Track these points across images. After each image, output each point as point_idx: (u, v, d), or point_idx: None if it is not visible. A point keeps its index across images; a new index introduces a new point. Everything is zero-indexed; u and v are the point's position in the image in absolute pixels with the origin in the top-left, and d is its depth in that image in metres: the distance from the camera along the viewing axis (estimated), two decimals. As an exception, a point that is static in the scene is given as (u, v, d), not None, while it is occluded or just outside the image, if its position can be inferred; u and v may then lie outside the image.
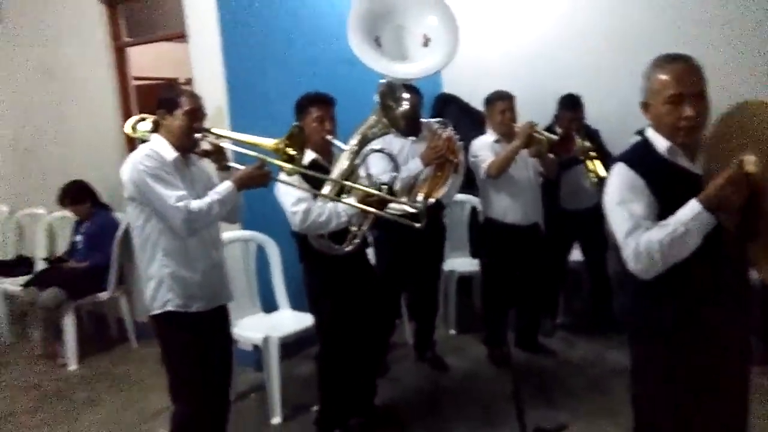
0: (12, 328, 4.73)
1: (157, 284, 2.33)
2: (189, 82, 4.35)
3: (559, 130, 4.01)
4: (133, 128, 2.82)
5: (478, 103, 4.27)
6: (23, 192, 5.46)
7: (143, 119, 2.83)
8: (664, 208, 1.73)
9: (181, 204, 2.22)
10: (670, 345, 1.82)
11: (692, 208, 1.64)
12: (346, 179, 2.69)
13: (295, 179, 2.64)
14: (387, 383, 3.57)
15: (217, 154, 2.45)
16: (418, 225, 2.69)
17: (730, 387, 1.87)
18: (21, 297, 4.24)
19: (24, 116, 5.32)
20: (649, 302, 1.83)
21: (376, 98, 2.82)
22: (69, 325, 4.10)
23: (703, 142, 1.74)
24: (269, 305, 3.73)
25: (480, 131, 3.84)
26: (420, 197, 3.36)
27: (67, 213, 4.57)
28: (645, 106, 1.82)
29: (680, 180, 1.75)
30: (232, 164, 2.49)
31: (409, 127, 2.97)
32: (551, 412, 3.18)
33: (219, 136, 2.43)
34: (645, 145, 1.84)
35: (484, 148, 3.68)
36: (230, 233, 3.65)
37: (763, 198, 1.58)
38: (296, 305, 3.63)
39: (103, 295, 4.32)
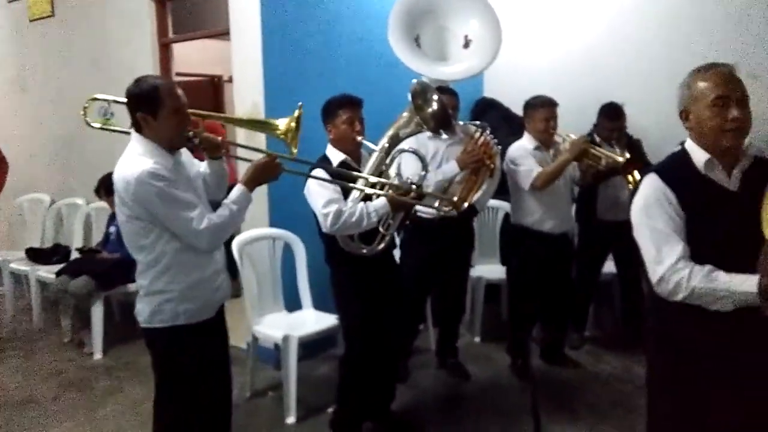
0: (44, 315, 4.83)
1: (167, 299, 2.17)
2: (231, 79, 4.40)
3: (597, 138, 3.90)
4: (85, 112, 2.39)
5: (518, 109, 4.18)
6: (65, 182, 5.61)
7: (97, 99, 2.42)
8: (692, 224, 1.70)
9: (203, 226, 2.10)
10: (685, 358, 1.77)
11: (749, 287, 1.58)
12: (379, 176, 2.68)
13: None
14: (406, 389, 3.50)
15: (211, 148, 2.32)
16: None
17: (751, 406, 1.76)
18: (53, 284, 4.31)
19: (70, 108, 5.45)
20: (665, 311, 1.78)
21: (409, 97, 2.80)
22: (97, 314, 4.15)
23: None
24: (293, 304, 3.71)
25: (519, 137, 3.74)
26: (453, 200, 3.31)
27: (104, 204, 4.65)
28: (684, 113, 1.79)
29: (712, 196, 1.71)
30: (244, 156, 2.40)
31: (440, 126, 2.93)
32: (573, 426, 3.09)
33: (217, 120, 2.34)
34: (682, 157, 1.80)
35: (527, 156, 3.56)
36: (257, 231, 3.67)
37: None
38: (319, 305, 3.60)
39: (132, 287, 4.34)
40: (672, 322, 1.79)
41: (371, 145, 2.79)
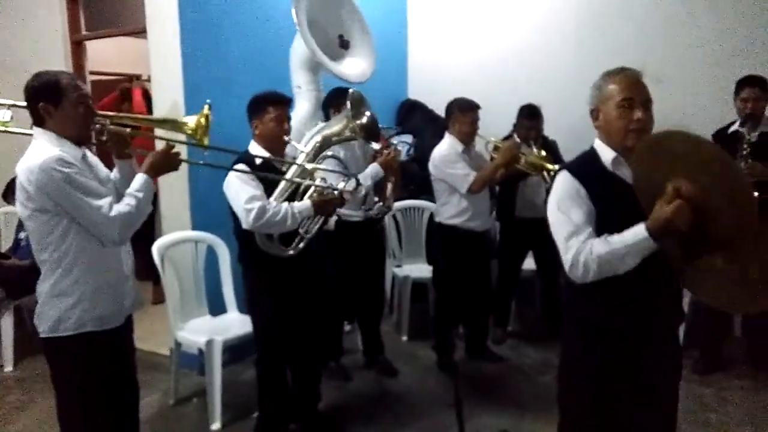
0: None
1: (73, 303, 2.06)
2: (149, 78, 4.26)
3: (517, 139, 4.03)
4: None
5: (442, 111, 4.23)
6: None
7: None
8: (601, 217, 1.79)
9: (114, 214, 2.01)
10: (595, 342, 1.86)
11: (638, 232, 1.66)
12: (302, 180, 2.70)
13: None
14: (334, 389, 3.52)
15: (118, 143, 2.20)
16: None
17: (657, 390, 1.89)
18: (-42, 294, 4.05)
19: (-27, 109, 5.14)
20: (577, 299, 1.88)
21: (348, 105, 2.84)
22: (7, 324, 3.94)
23: (633, 158, 1.75)
24: (217, 308, 3.63)
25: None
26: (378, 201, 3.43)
27: (13, 209, 4.41)
28: (594, 112, 1.87)
29: (619, 191, 1.80)
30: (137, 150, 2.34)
31: (369, 137, 3.03)
32: (496, 418, 3.17)
33: (121, 121, 2.24)
34: (591, 155, 1.89)
35: (458, 159, 3.63)
36: (179, 233, 3.58)
37: (703, 220, 1.59)
38: (244, 308, 3.53)
39: (44, 295, 4.15)
40: (585, 308, 1.88)
41: (298, 146, 2.80)
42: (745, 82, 3.55)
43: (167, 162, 2.21)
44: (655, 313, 1.82)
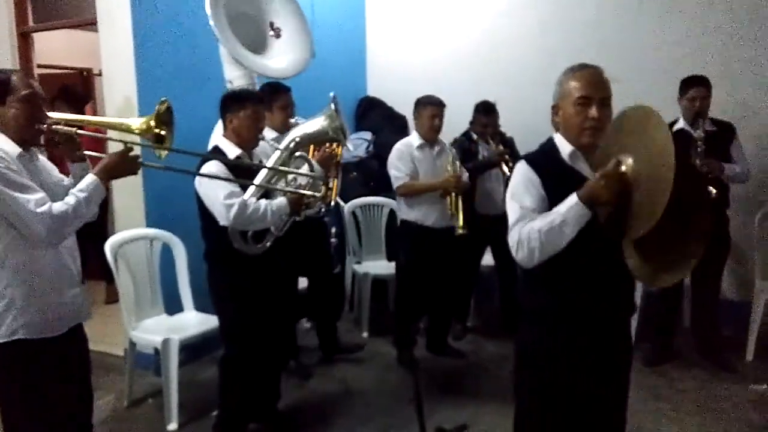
0: None
1: (4, 307, 1.94)
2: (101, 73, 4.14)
3: (474, 136, 4.07)
4: None
5: (401, 108, 4.23)
6: None
7: None
8: (555, 207, 1.80)
9: (42, 209, 1.89)
10: (549, 333, 1.90)
11: (570, 199, 1.71)
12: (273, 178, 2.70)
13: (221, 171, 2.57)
14: (293, 387, 3.49)
15: (67, 144, 2.10)
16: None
17: (608, 380, 1.93)
18: None
19: None
20: (532, 289, 1.92)
21: (332, 107, 2.86)
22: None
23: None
24: (173, 307, 3.56)
25: (403, 135, 3.82)
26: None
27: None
28: (555, 108, 1.91)
29: (575, 184, 1.81)
30: (89, 153, 2.17)
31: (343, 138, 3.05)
32: (455, 413, 3.19)
33: (68, 122, 2.13)
34: (550, 148, 1.92)
35: (406, 159, 3.67)
36: (134, 231, 3.50)
37: (631, 196, 1.64)
38: (201, 306, 3.47)
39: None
40: (538, 299, 1.91)
41: (275, 144, 2.82)
42: (692, 82, 3.64)
43: (123, 165, 2.08)
44: (607, 305, 1.86)
